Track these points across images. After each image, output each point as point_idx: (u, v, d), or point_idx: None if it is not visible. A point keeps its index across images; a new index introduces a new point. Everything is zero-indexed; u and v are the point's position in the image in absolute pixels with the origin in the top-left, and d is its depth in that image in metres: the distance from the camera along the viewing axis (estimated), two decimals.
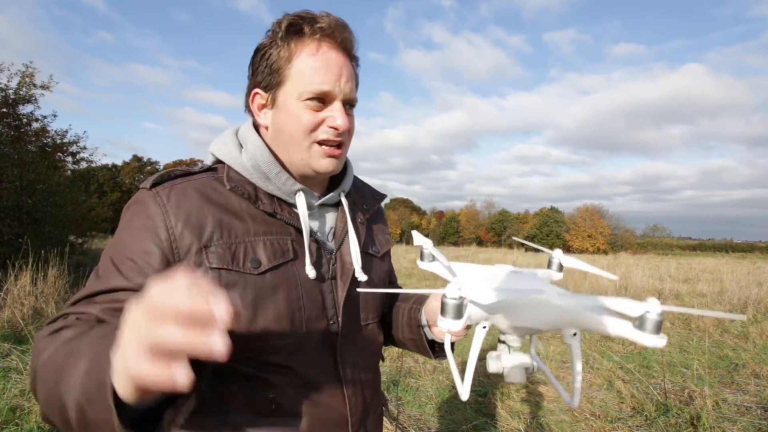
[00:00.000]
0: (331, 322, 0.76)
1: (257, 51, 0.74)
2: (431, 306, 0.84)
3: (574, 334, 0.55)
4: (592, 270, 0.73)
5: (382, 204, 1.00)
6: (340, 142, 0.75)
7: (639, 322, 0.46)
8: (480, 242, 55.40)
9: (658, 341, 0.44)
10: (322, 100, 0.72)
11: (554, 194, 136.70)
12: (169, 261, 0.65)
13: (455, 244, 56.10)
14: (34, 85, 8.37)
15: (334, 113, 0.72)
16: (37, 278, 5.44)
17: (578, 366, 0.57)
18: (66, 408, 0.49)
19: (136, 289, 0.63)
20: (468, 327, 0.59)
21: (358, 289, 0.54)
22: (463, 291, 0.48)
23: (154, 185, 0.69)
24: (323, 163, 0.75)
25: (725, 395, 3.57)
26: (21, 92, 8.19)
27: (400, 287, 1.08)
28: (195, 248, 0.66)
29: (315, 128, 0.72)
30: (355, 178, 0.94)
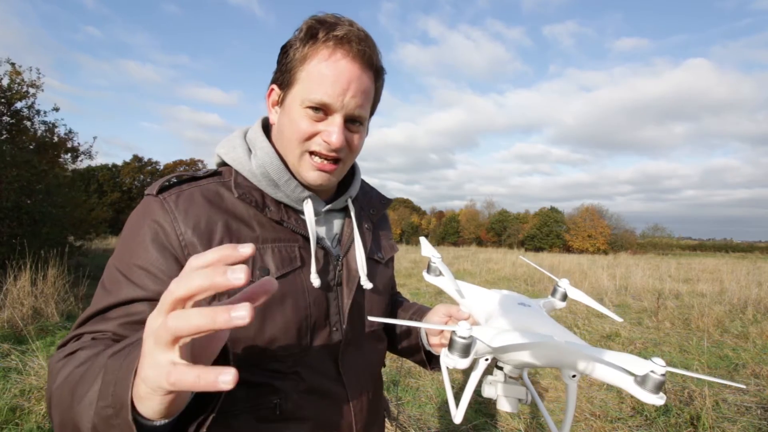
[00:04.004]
0: (335, 328, 0.75)
1: (282, 47, 0.73)
2: (431, 320, 0.84)
3: (573, 376, 0.55)
4: (597, 307, 0.72)
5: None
6: (335, 158, 0.73)
7: (641, 380, 0.46)
8: (480, 242, 55.37)
9: (657, 400, 0.46)
10: (323, 111, 0.69)
11: (554, 194, 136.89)
12: (180, 268, 0.63)
13: (455, 244, 56.06)
14: (24, 82, 8.31)
15: (330, 128, 0.69)
16: (37, 279, 5.43)
17: (572, 404, 0.57)
18: None
19: (153, 299, 0.61)
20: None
21: (370, 318, 0.54)
22: (473, 331, 0.48)
23: (160, 191, 0.67)
24: (312, 175, 0.73)
25: (725, 395, 3.57)
26: (14, 89, 8.13)
27: (399, 293, 1.08)
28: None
29: (309, 138, 0.70)
30: (363, 182, 0.92)
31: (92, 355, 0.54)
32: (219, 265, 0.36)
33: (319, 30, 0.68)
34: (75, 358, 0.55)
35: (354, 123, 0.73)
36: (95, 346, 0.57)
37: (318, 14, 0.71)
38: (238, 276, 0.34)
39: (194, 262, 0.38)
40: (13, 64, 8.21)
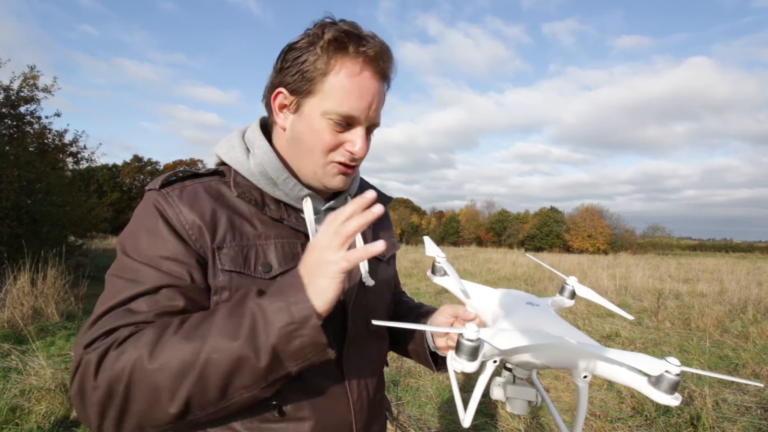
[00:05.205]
0: (338, 327, 0.75)
1: (291, 49, 0.71)
2: (437, 321, 0.83)
3: (585, 377, 0.53)
4: (607, 305, 0.70)
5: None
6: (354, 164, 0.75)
7: (656, 380, 0.45)
8: (480, 242, 55.36)
9: (672, 401, 0.44)
10: (347, 123, 0.70)
11: (554, 194, 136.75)
12: (197, 257, 0.65)
13: (455, 244, 56.06)
14: (36, 88, 8.37)
15: (355, 139, 0.71)
16: (36, 278, 5.44)
17: (583, 406, 0.56)
18: (239, 369, 0.54)
19: (175, 285, 0.62)
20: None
21: (374, 321, 0.54)
22: (481, 333, 0.47)
23: (163, 186, 0.68)
24: (336, 180, 0.75)
25: (725, 395, 3.57)
26: (23, 93, 8.19)
27: (403, 293, 1.07)
28: (209, 248, 0.65)
29: (334, 149, 0.72)
30: (362, 179, 0.93)
31: (172, 328, 0.57)
32: (359, 211, 0.55)
33: (348, 44, 0.68)
34: (143, 338, 0.56)
35: (371, 131, 0.76)
36: (156, 326, 0.57)
37: (332, 19, 0.70)
38: (379, 209, 0.54)
39: (339, 216, 0.56)
40: (32, 68, 8.28)
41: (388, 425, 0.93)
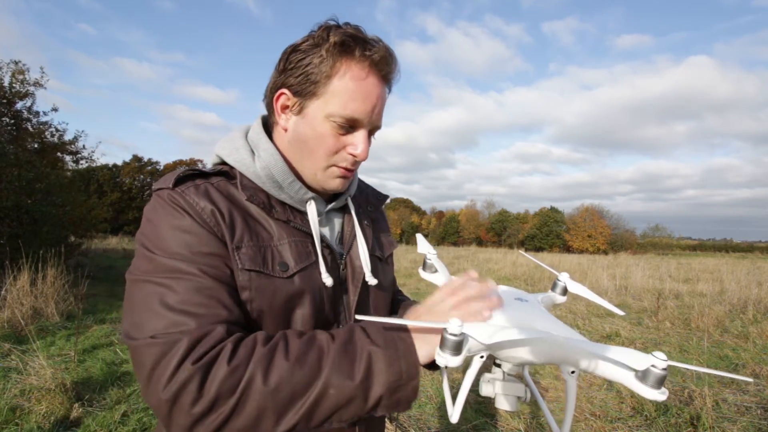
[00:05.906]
0: (342, 326, 0.75)
1: (294, 50, 0.70)
2: None
3: (572, 372, 0.54)
4: (598, 300, 0.70)
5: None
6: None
7: (642, 375, 0.45)
8: (480, 242, 55.37)
9: (659, 396, 0.44)
10: (350, 126, 0.71)
11: (555, 194, 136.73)
12: (226, 249, 0.65)
13: (455, 244, 56.08)
14: (27, 82, 8.37)
15: (357, 142, 0.72)
16: (36, 278, 5.44)
17: (572, 401, 0.56)
18: (350, 403, 0.56)
19: (227, 278, 0.63)
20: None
21: (357, 317, 0.57)
22: (465, 327, 0.48)
23: (176, 184, 0.67)
24: (335, 183, 0.75)
25: (725, 395, 3.57)
26: (15, 88, 8.18)
27: (400, 291, 1.08)
28: (230, 247, 0.65)
29: (336, 152, 0.72)
30: (359, 180, 0.93)
31: (276, 353, 0.57)
32: (469, 281, 0.64)
33: (354, 47, 0.68)
34: (258, 358, 0.55)
35: (372, 134, 0.76)
36: (251, 343, 0.57)
37: (336, 22, 0.70)
38: (492, 283, 0.64)
39: (465, 292, 0.61)
40: (17, 63, 8.27)
41: (388, 425, 0.93)
